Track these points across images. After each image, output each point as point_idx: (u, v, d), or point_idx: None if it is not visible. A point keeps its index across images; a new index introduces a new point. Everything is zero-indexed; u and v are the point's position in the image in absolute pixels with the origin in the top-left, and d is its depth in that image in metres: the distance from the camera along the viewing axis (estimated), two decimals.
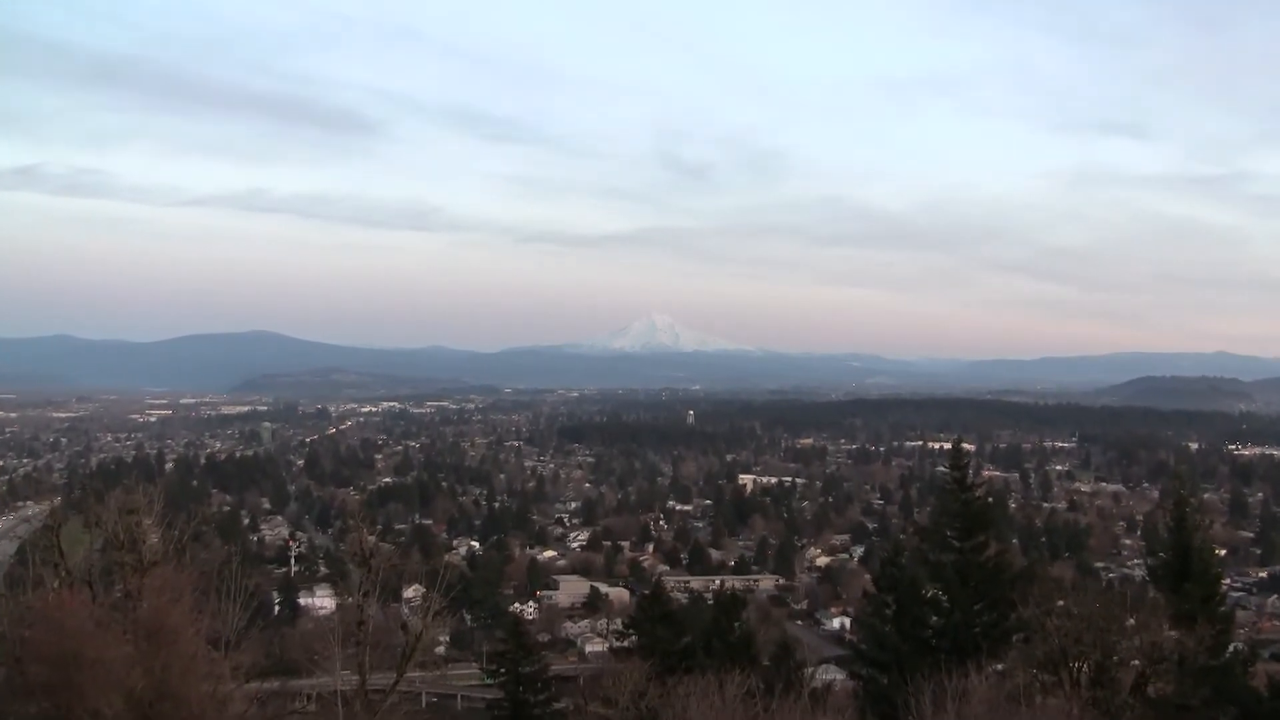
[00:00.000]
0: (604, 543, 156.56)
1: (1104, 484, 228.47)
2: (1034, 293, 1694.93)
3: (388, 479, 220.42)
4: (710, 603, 60.78)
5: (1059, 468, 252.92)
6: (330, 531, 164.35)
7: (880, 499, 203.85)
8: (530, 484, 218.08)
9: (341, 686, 26.19)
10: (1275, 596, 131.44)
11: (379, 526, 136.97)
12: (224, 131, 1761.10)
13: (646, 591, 53.14)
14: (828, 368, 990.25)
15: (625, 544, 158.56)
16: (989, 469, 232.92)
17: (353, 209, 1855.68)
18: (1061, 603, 30.38)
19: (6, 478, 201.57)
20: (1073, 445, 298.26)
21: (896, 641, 36.06)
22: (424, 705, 71.77)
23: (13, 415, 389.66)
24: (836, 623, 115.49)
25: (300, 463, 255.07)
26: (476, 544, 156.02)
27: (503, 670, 49.76)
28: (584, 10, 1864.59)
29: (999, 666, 30.84)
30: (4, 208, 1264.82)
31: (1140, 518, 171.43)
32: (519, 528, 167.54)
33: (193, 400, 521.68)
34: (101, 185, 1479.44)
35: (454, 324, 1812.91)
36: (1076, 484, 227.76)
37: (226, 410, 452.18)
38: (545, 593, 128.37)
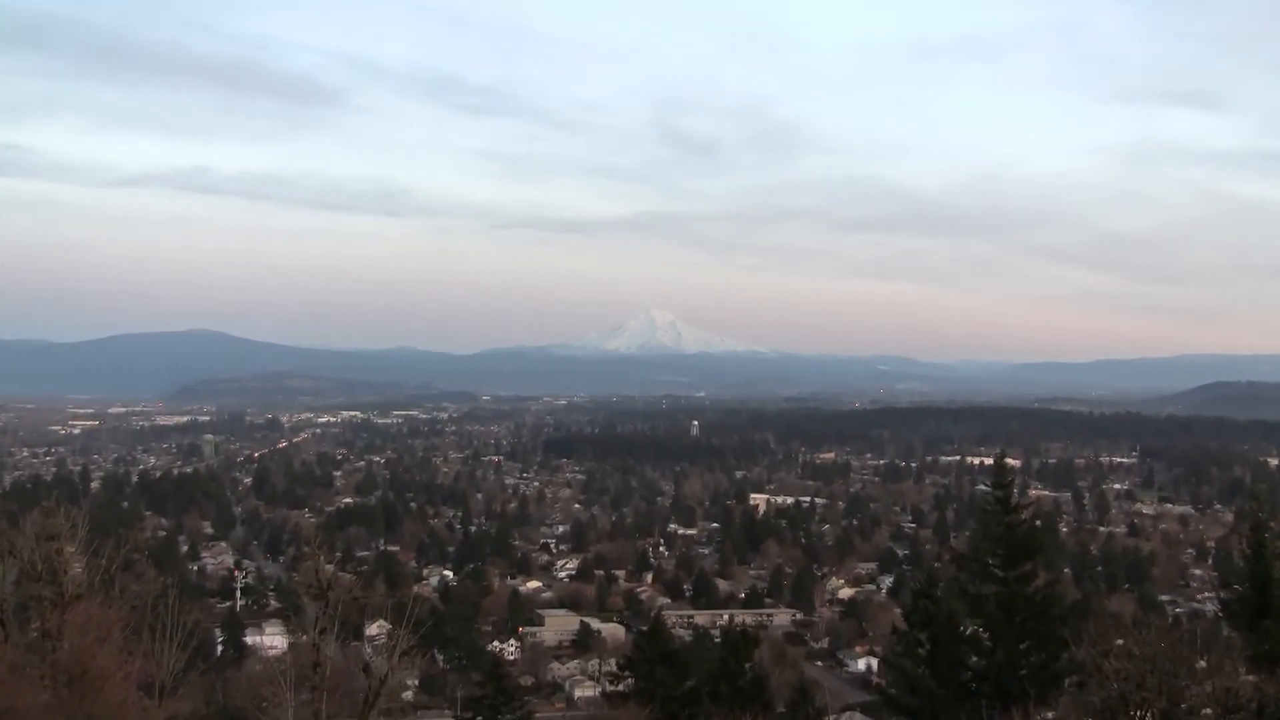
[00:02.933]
0: (596, 572, 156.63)
1: (1169, 505, 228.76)
2: (1088, 285, 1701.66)
3: (348, 499, 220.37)
4: (717, 641, 60.72)
5: (1117, 486, 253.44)
6: (282, 559, 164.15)
7: (912, 522, 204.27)
8: (511, 505, 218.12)
9: None
10: None
11: (338, 554, 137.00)
12: (161, 101, 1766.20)
13: (644, 628, 53.10)
14: (851, 372, 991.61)
15: (620, 573, 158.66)
16: (1037, 487, 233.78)
17: (309, 190, 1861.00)
18: (1121, 641, 30.27)
19: None
20: (1133, 461, 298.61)
21: (931, 685, 35.99)
22: None
23: None
24: (862, 663, 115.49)
25: (247, 481, 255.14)
26: (450, 573, 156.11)
27: (480, 718, 49.66)
28: None
29: (1048, 715, 30.80)
30: None
31: (1212, 544, 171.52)
32: (498, 555, 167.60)
33: (123, 409, 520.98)
34: (19, 162, 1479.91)
35: (425, 322, 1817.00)
36: (1138, 505, 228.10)
37: (162, 421, 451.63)
38: (529, 629, 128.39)
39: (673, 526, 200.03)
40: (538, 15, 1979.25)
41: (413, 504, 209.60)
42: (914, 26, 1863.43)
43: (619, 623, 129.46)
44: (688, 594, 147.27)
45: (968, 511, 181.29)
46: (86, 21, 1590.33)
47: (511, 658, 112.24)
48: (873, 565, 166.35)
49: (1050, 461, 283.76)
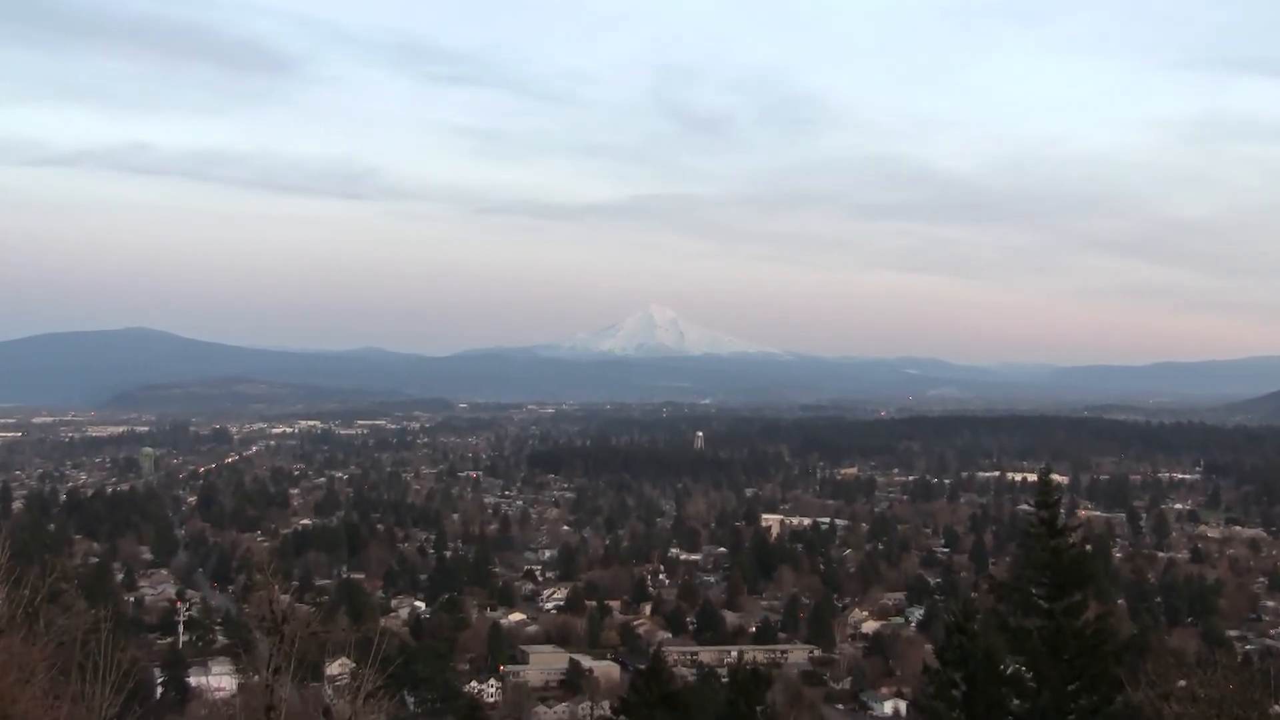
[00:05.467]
0: (587, 602, 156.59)
1: (1238, 527, 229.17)
2: (1145, 279, 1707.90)
3: (306, 520, 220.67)
4: (725, 680, 60.98)
5: (1179, 506, 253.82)
6: (231, 589, 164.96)
7: (945, 546, 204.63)
8: (492, 527, 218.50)
9: None
10: None
11: (295, 582, 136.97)
12: (94, 69, 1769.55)
13: (642, 666, 53.23)
14: (876, 376, 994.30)
15: (614, 604, 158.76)
16: (1087, 507, 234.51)
17: (261, 170, 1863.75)
18: (1183, 683, 30.32)
19: None
20: (1197, 477, 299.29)
21: None
22: None
23: None
24: (888, 706, 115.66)
25: (191, 500, 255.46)
26: (422, 604, 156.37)
27: None
28: None
29: None
30: None
31: None
32: (477, 583, 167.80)
33: (49, 418, 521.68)
34: None
35: (393, 320, 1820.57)
36: (1202, 527, 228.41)
37: (95, 431, 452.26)
38: (511, 668, 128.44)
39: (674, 551, 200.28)
40: None
41: (380, 526, 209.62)
42: None
43: (613, 660, 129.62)
44: (691, 628, 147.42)
45: (1008, 534, 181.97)
46: None
47: (491, 700, 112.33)
48: (900, 595, 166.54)
49: (1102, 478, 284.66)
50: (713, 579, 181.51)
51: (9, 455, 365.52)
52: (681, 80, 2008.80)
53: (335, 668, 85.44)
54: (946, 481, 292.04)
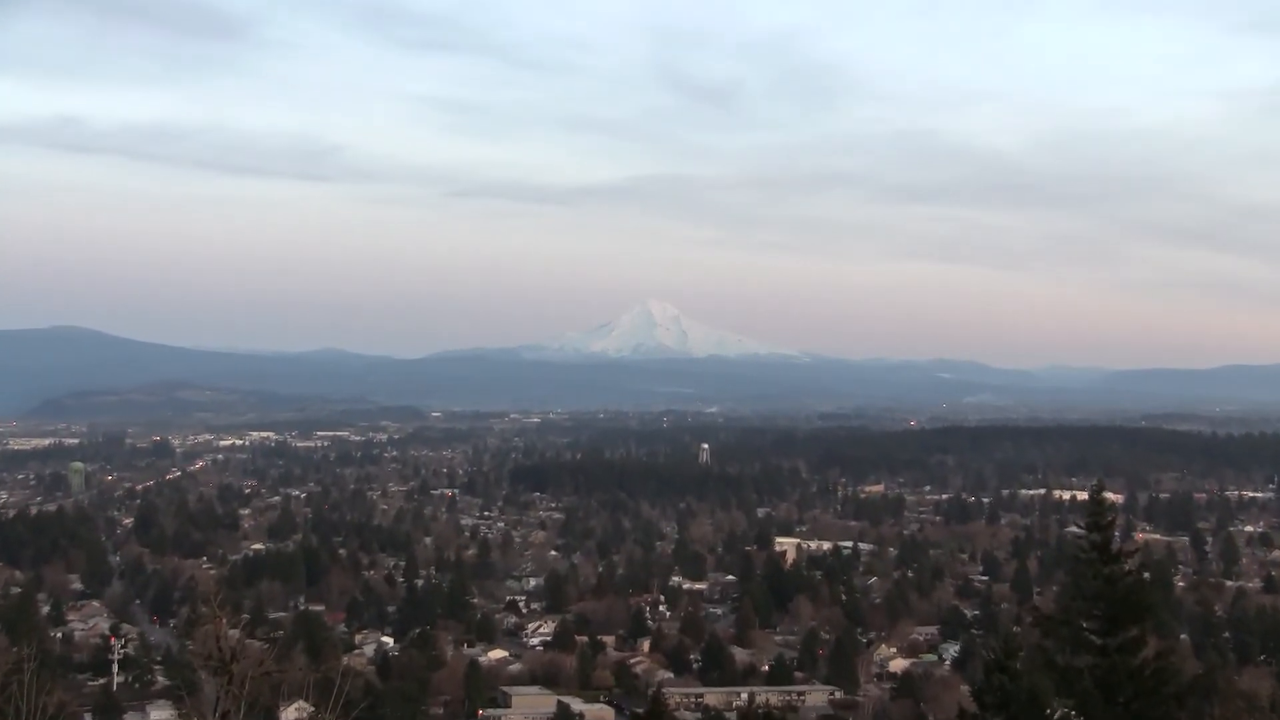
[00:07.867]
0: (577, 637, 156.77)
1: None
2: (1211, 271, 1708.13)
3: (258, 545, 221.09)
4: None
5: (1249, 528, 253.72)
6: (172, 623, 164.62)
7: (983, 573, 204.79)
8: (470, 552, 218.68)
9: None
10: None
11: (245, 615, 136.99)
12: (16, 34, 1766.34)
13: (640, 710, 53.33)
14: (905, 381, 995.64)
15: (608, 640, 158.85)
16: (1145, 530, 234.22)
17: (209, 148, 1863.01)
18: None
19: None
20: (1270, 495, 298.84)
21: None
22: None
23: None
24: None
25: (128, 521, 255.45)
26: (390, 640, 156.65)
27: None
28: None
29: None
30: None
31: None
32: (452, 616, 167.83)
33: None
34: None
35: (358, 317, 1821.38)
36: (1276, 552, 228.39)
37: (17, 444, 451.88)
38: (491, 712, 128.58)
39: (676, 579, 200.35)
40: None
41: (342, 551, 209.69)
42: None
43: (607, 703, 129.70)
44: (695, 666, 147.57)
45: (1055, 561, 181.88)
46: None
47: None
48: (933, 629, 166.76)
49: (1162, 496, 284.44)
50: (720, 611, 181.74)
51: None
52: (684, 46, 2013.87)
53: (291, 713, 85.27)
54: (985, 500, 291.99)
